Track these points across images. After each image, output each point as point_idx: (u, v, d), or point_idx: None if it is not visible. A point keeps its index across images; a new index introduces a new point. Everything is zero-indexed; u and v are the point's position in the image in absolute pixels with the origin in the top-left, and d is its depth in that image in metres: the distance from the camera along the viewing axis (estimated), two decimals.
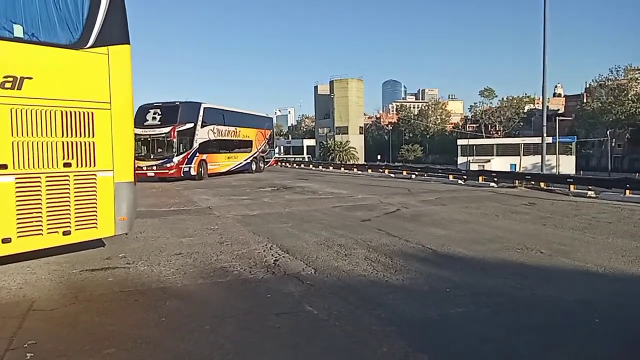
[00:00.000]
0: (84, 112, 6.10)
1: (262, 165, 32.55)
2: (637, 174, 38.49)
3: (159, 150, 23.13)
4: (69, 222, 6.05)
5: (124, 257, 7.09)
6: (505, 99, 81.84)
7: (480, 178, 21.96)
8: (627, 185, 15.43)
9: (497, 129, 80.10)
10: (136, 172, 21.30)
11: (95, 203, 6.28)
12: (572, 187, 17.40)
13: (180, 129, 23.17)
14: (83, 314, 4.76)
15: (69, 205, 6.04)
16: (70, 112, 5.99)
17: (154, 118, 23.00)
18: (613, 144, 60.40)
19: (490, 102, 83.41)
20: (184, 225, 10.00)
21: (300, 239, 8.38)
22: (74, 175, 6.07)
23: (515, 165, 53.09)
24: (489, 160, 55.65)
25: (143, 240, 8.33)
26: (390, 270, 6.32)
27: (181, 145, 23.20)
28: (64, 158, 5.97)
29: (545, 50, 24.00)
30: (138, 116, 20.89)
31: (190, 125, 23.76)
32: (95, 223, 6.30)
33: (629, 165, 59.36)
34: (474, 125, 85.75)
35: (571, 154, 55.70)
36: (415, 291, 5.54)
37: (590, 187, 17.04)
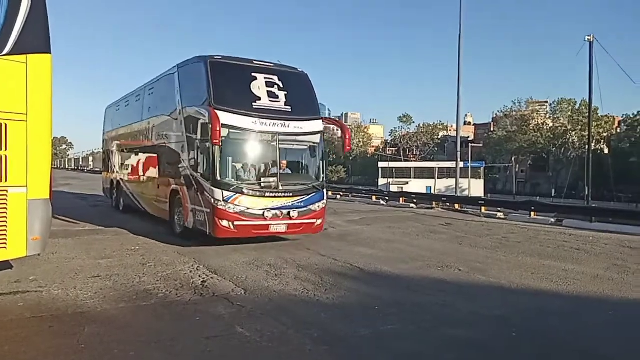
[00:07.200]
0: None
1: None
2: (538, 197, 41.88)
3: (294, 171, 10.36)
4: None
5: (35, 280, 6.55)
6: (421, 125, 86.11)
7: (401, 199, 22.87)
8: (532, 208, 16.85)
9: (414, 153, 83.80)
10: (243, 224, 8.65)
11: (6, 221, 5.75)
12: (483, 208, 18.64)
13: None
14: None
15: None
16: None
17: (273, 95, 9.66)
18: (517, 170, 65.34)
19: (408, 128, 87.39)
20: (101, 246, 9.43)
21: (228, 259, 8.20)
22: None
23: (430, 187, 55.62)
24: (407, 182, 57.91)
25: (56, 262, 7.74)
26: (320, 290, 6.37)
27: None
28: None
29: (460, 84, 25.68)
30: (224, 86, 9.35)
31: None
32: (5, 243, 5.75)
33: (531, 189, 64.47)
34: (394, 149, 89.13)
35: (480, 178, 59.54)
36: (346, 309, 5.63)
37: (499, 209, 18.39)
